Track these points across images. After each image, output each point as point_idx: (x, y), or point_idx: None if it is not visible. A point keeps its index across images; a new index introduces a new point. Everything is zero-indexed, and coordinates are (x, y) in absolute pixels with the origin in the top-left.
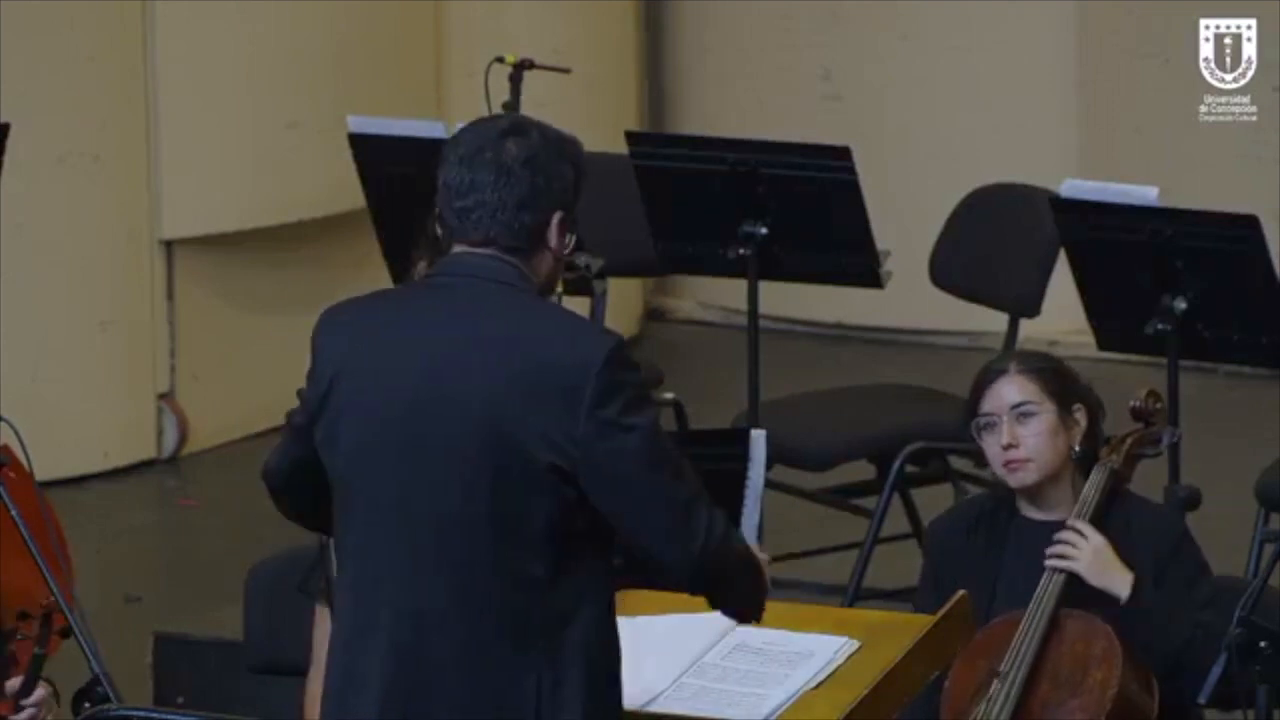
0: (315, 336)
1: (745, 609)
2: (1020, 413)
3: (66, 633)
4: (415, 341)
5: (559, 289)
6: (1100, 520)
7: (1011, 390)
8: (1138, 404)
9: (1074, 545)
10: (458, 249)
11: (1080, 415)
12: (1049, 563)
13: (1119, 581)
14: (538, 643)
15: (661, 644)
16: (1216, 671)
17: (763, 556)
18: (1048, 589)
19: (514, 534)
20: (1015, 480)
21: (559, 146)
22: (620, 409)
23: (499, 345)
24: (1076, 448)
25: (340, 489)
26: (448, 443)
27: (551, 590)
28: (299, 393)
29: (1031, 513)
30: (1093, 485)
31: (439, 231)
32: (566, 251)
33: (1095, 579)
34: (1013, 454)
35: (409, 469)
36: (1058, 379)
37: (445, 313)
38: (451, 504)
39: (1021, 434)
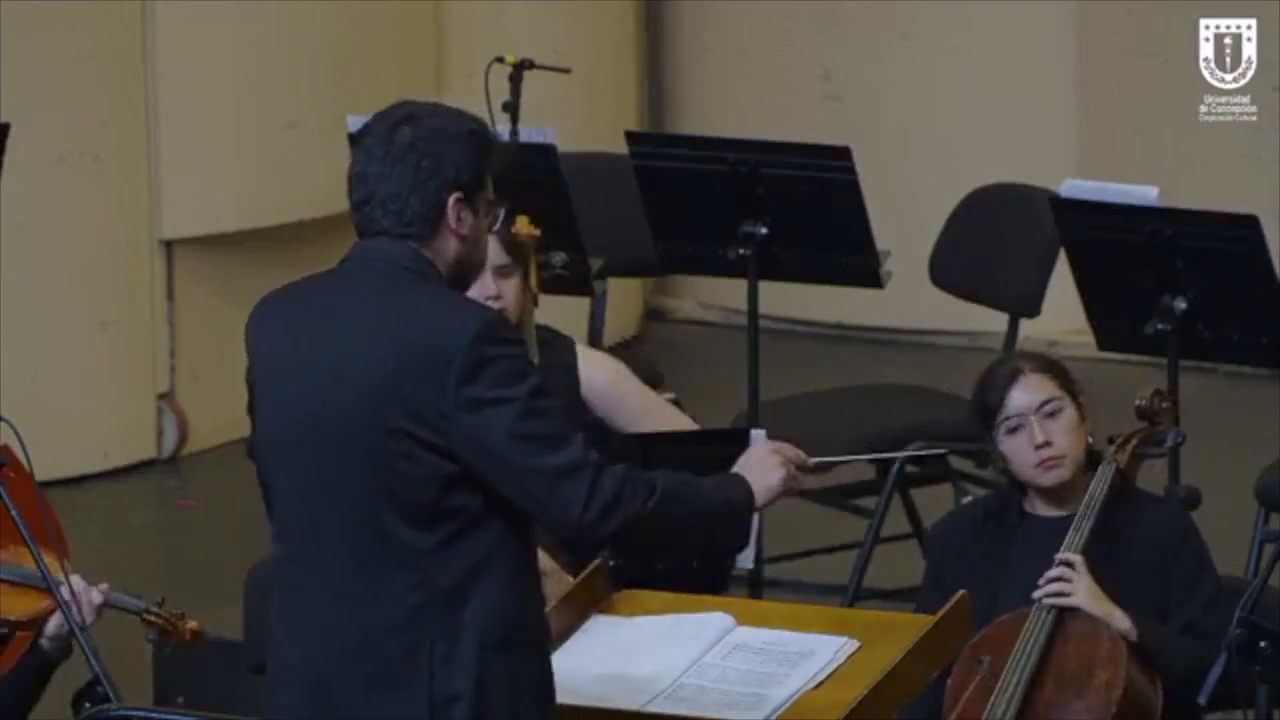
0: (246, 328)
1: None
2: (1048, 410)
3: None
4: (308, 328)
5: (534, 286)
6: (1106, 519)
7: (1034, 389)
8: (1143, 403)
9: (1068, 580)
10: (361, 239)
11: (1086, 408)
12: (1047, 600)
13: (1118, 616)
14: (431, 614)
15: (661, 644)
16: (1216, 671)
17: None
18: (1040, 622)
19: (399, 510)
20: (1052, 478)
21: (452, 128)
22: (488, 384)
23: (378, 328)
24: (1091, 439)
25: (262, 471)
26: (335, 424)
27: (441, 563)
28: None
29: (1042, 510)
30: (1098, 483)
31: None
32: (494, 229)
33: (1096, 610)
34: (1048, 451)
35: (305, 453)
36: (1066, 375)
37: (336, 298)
38: (341, 485)
39: (1053, 430)
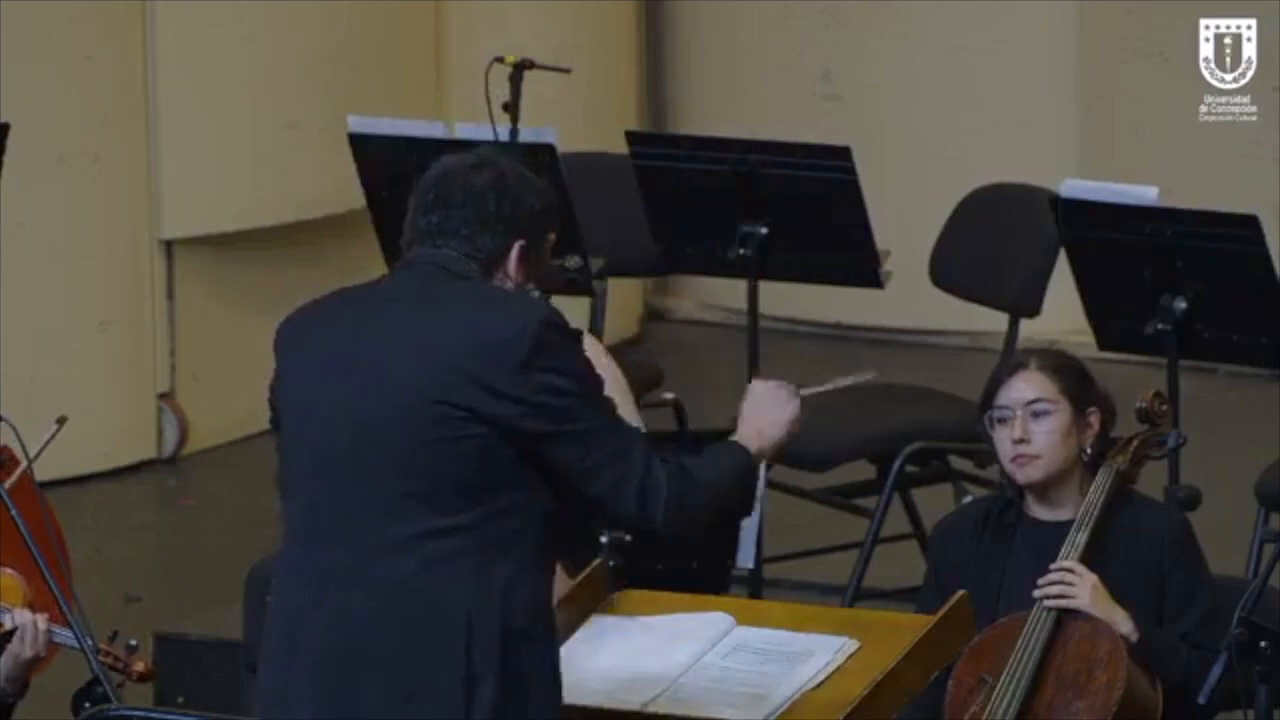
0: (275, 344)
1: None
2: (1034, 409)
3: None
4: (358, 330)
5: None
6: (1105, 522)
7: (1029, 386)
8: (1143, 405)
9: (1070, 584)
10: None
11: (1094, 418)
12: (1047, 602)
13: (1120, 617)
14: (460, 594)
15: (661, 644)
16: (1216, 671)
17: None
18: (1040, 624)
19: (438, 489)
20: (1022, 475)
21: (526, 180)
22: (556, 367)
23: (438, 322)
24: (1088, 450)
25: (284, 459)
26: (389, 402)
27: (476, 542)
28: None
29: (1039, 513)
30: (1098, 488)
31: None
32: (529, 287)
33: (1099, 612)
34: (1022, 449)
35: (345, 438)
36: (1076, 380)
37: (390, 293)
38: (380, 465)
39: (1034, 430)
